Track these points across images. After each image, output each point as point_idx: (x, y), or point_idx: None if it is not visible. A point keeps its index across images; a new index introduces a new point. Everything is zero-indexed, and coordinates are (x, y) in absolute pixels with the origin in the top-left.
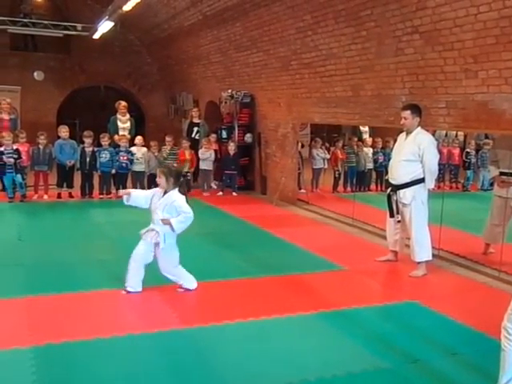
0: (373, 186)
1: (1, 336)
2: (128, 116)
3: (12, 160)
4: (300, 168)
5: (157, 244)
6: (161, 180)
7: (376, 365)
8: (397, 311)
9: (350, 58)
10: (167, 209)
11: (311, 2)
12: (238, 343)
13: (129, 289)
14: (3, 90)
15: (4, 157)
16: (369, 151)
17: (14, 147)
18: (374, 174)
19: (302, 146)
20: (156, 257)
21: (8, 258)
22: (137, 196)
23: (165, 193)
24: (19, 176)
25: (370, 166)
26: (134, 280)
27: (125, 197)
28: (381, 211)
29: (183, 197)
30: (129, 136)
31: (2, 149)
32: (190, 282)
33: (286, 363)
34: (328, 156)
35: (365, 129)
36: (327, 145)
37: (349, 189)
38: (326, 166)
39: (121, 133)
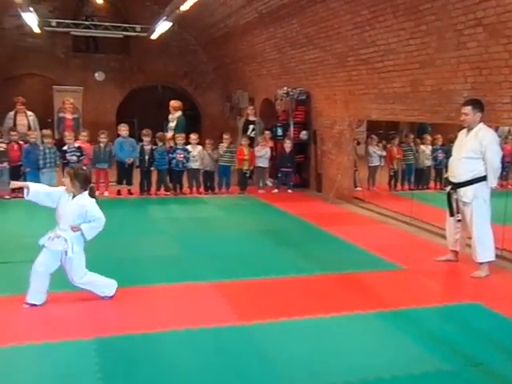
0: (432, 184)
1: (65, 327)
2: (177, 114)
3: (75, 158)
4: (356, 165)
5: (64, 252)
6: (66, 180)
7: (437, 367)
8: (458, 312)
9: (409, 53)
10: (79, 215)
11: None
12: (296, 340)
13: (31, 302)
14: (66, 91)
15: (67, 155)
16: (426, 148)
17: (77, 145)
18: (432, 172)
19: (358, 144)
20: (63, 266)
21: None
22: (37, 191)
23: (73, 196)
24: None
25: (429, 163)
26: (38, 293)
27: (25, 190)
28: (440, 210)
29: (93, 200)
30: (169, 134)
31: (65, 147)
32: (105, 287)
33: (343, 362)
34: (384, 153)
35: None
36: (384, 142)
37: (406, 187)
38: (383, 164)
39: (169, 131)
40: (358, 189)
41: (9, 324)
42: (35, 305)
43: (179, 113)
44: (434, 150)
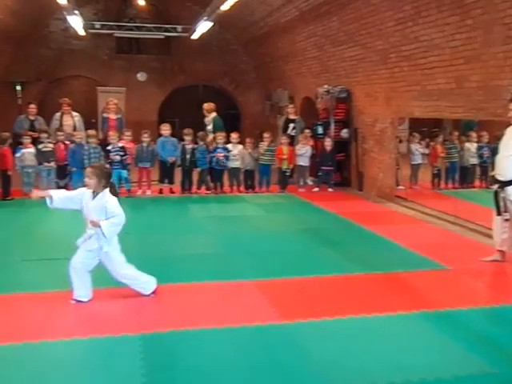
0: (477, 183)
1: (110, 323)
2: (212, 116)
3: (118, 157)
4: (398, 164)
5: (100, 248)
6: (91, 181)
7: (483, 369)
8: (505, 314)
9: (454, 48)
10: (100, 211)
11: None
12: (338, 340)
13: (77, 299)
14: (110, 92)
15: (111, 154)
16: (471, 146)
17: (120, 145)
18: (478, 170)
19: (400, 141)
20: (103, 263)
21: None
22: (60, 198)
23: (95, 194)
24: (125, 172)
25: (474, 161)
26: (82, 290)
27: (47, 199)
28: (486, 209)
29: (115, 198)
30: (210, 137)
31: (109, 147)
32: (146, 283)
33: (387, 362)
34: (427, 151)
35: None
36: (427, 140)
37: (450, 185)
38: (426, 162)
39: (209, 134)
40: (400, 187)
41: (56, 319)
42: (82, 301)
43: (213, 114)
44: (479, 148)
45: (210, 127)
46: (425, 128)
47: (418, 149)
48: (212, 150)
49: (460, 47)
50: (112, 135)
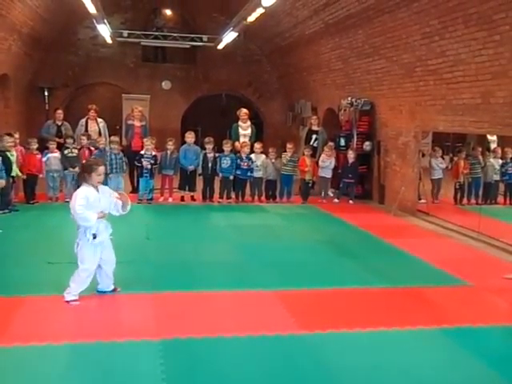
0: (500, 199)
1: (131, 327)
2: (249, 123)
3: (149, 165)
4: (420, 178)
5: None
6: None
7: None
8: None
9: (481, 63)
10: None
11: (439, 7)
12: (356, 352)
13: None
14: (135, 99)
15: (144, 160)
16: (496, 162)
17: (154, 153)
18: (502, 187)
19: (423, 155)
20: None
21: (137, 254)
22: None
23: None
24: (151, 182)
25: (497, 177)
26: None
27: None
28: (510, 226)
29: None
30: (249, 142)
31: (142, 152)
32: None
33: (407, 377)
34: (444, 165)
35: (492, 138)
36: (451, 155)
37: (473, 201)
38: (446, 176)
39: (241, 139)
40: (421, 201)
41: (76, 322)
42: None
43: (249, 121)
44: (503, 164)
45: (247, 132)
46: (448, 143)
47: (438, 163)
48: (237, 160)
49: (487, 62)
50: (149, 142)
